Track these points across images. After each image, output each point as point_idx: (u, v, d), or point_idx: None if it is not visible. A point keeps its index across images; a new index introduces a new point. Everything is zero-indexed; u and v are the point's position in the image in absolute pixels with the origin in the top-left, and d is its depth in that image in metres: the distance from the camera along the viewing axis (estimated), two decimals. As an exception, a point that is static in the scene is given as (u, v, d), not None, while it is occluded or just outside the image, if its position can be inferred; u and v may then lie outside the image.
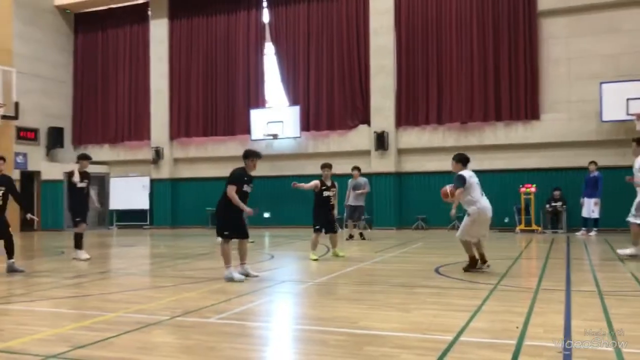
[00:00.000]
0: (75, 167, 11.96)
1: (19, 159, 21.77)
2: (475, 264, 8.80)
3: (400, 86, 20.09)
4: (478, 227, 8.79)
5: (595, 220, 16.27)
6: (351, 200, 15.77)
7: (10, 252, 9.68)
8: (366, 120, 20.47)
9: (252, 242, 14.88)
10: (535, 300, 6.55)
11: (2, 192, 9.63)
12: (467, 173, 8.77)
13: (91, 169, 24.82)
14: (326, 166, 11.19)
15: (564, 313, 5.83)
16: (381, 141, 19.79)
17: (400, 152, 20.17)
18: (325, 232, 11.09)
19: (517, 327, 5.18)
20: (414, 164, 20.09)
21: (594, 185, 16.23)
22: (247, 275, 8.70)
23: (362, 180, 16.01)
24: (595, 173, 16.29)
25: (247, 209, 8.33)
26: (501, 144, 18.91)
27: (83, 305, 6.82)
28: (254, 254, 12.52)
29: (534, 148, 18.68)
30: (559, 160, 18.28)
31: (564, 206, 17.70)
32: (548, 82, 18.70)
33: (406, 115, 20.02)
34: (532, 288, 7.36)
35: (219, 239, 8.66)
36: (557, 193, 17.89)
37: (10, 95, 18.51)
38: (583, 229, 16.41)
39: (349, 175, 20.64)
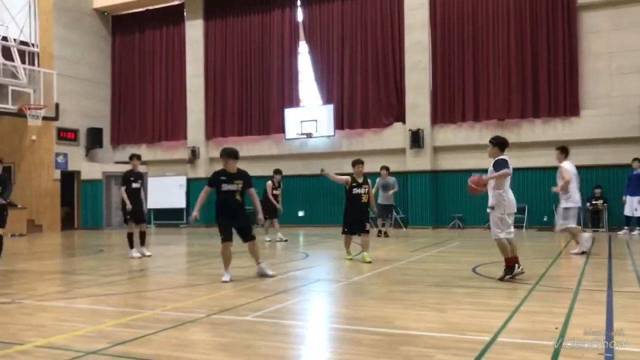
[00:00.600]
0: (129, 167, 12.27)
1: (60, 159, 22.31)
2: (513, 267, 7.75)
3: (435, 83, 19.88)
4: (507, 219, 7.86)
5: (639, 218, 15.84)
6: (382, 199, 15.80)
7: None
8: (401, 118, 20.32)
9: (285, 240, 14.96)
10: (575, 300, 6.40)
11: None
12: (507, 158, 7.92)
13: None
14: (358, 162, 10.63)
15: (605, 314, 5.68)
16: (416, 139, 19.62)
17: (436, 149, 19.96)
18: (355, 233, 10.41)
19: (557, 328, 5.07)
20: (450, 162, 19.85)
21: (637, 182, 15.80)
22: (263, 275, 8.59)
23: (391, 179, 16.05)
24: (639, 170, 15.87)
25: (193, 213, 8.53)
26: (539, 141, 18.53)
27: (121, 302, 6.95)
28: (289, 252, 12.58)
29: (573, 145, 18.08)
30: (599, 158, 17.81)
31: (605, 204, 17.27)
32: (588, 77, 18.25)
33: (442, 113, 19.81)
34: (572, 288, 7.20)
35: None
36: (597, 191, 17.47)
37: (51, 96, 18.96)
38: (625, 227, 15.99)
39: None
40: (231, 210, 8.48)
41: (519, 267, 7.83)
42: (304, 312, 6.53)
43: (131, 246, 11.85)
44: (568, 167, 10.82)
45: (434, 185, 19.88)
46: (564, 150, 11.17)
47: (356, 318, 5.79)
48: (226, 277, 8.28)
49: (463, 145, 19.45)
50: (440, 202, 19.91)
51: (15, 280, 9.15)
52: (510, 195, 7.90)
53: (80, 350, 4.69)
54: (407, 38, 20.06)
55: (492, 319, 5.53)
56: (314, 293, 7.59)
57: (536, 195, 18.29)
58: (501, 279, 7.80)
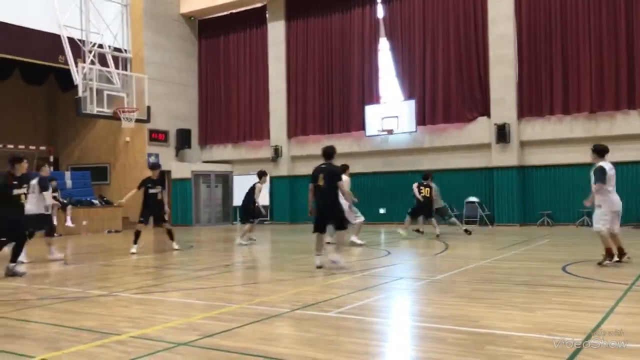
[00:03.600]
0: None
1: (152, 159, 23.33)
2: (612, 256, 8.67)
3: (521, 75, 19.19)
4: (611, 219, 8.78)
5: None
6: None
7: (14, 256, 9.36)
8: (486, 112, 19.76)
9: (254, 240, 14.54)
10: (677, 302, 6.02)
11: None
12: (607, 165, 8.76)
13: (216, 168, 26.07)
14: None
15: None
16: (502, 133, 19.03)
17: (523, 144, 19.27)
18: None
19: (656, 331, 4.79)
20: (538, 157, 19.12)
21: None
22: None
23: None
24: None
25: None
26: (635, 133, 17.48)
27: (210, 296, 7.19)
28: (371, 250, 12.55)
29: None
30: None
31: None
32: (690, 64, 17.02)
33: (529, 106, 19.10)
34: (674, 289, 6.77)
35: None
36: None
37: (142, 100, 19.84)
38: None
39: (467, 170, 20.18)
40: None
41: (627, 257, 8.75)
42: (387, 309, 6.51)
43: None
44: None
45: (521, 181, 19.22)
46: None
47: (440, 316, 5.72)
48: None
49: (551, 140, 18.70)
50: (528, 198, 19.22)
51: (112, 274, 9.69)
52: (614, 196, 8.78)
53: (172, 341, 4.91)
54: (491, 30, 19.49)
55: (584, 319, 5.30)
56: (397, 291, 7.55)
57: (631, 191, 17.25)
58: (600, 264, 8.62)
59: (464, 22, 20.14)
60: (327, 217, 9.37)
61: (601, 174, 8.61)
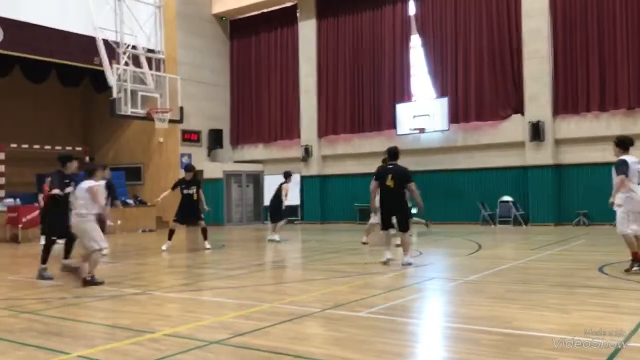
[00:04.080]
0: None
1: (184, 160, 23.59)
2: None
3: (556, 71, 18.80)
4: (634, 218, 7.92)
5: None
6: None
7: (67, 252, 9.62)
8: (519, 110, 19.43)
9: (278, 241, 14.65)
10: None
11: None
12: (630, 158, 8.04)
13: (247, 168, 26.27)
14: None
15: None
16: (536, 131, 18.68)
17: (558, 142, 18.89)
18: None
19: (698, 335, 4.64)
20: (573, 155, 18.70)
21: None
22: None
23: None
24: None
25: None
26: (677, 130, 16.99)
27: (241, 295, 7.24)
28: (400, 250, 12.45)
29: None
30: None
31: None
32: None
33: (564, 103, 18.71)
34: None
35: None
36: None
37: (176, 100, 20.06)
38: None
39: (501, 169, 19.87)
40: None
41: None
42: (419, 310, 6.46)
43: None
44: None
45: (556, 180, 18.85)
46: None
47: (473, 317, 5.65)
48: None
49: (587, 137, 18.26)
50: (563, 197, 18.83)
51: (145, 273, 9.83)
52: (637, 193, 7.94)
53: (204, 339, 4.95)
54: (524, 25, 19.13)
55: (622, 322, 5.17)
56: (429, 291, 7.49)
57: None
58: (628, 271, 7.88)
59: (496, 17, 19.82)
60: (393, 216, 9.56)
61: (623, 165, 7.88)
